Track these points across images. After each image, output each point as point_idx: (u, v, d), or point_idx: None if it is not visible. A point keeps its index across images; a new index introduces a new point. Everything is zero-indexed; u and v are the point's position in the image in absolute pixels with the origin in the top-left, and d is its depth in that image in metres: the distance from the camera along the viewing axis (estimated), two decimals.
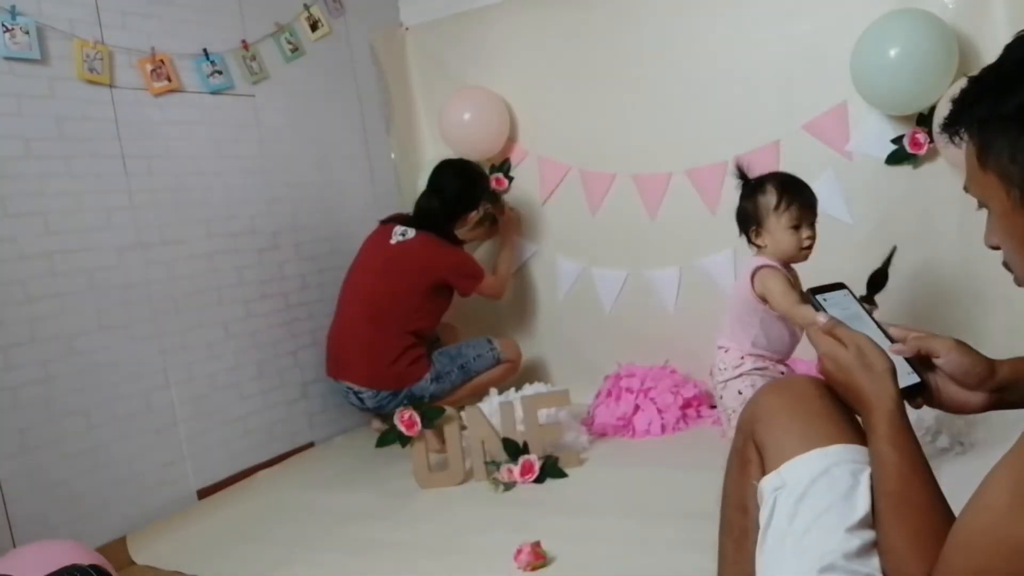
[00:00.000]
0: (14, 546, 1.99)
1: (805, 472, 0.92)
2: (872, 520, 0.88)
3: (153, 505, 2.35)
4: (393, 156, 3.44)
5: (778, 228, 2.17)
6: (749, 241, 2.25)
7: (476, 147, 3.18)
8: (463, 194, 2.89)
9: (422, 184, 3.08)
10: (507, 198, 3.32)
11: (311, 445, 2.93)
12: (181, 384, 2.49)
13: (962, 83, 0.83)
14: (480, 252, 3.30)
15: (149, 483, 2.36)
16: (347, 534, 2.13)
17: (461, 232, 2.94)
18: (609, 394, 2.79)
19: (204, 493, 2.51)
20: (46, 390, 2.13)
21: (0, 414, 2.03)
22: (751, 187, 2.21)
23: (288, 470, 2.72)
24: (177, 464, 2.46)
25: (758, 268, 2.18)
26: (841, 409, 0.99)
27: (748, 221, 2.22)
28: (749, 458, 1.04)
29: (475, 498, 2.29)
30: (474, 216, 2.93)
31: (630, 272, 3.07)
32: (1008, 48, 0.80)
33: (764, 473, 0.98)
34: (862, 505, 0.89)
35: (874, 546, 0.88)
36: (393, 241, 2.81)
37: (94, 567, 1.55)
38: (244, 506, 2.43)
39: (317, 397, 2.98)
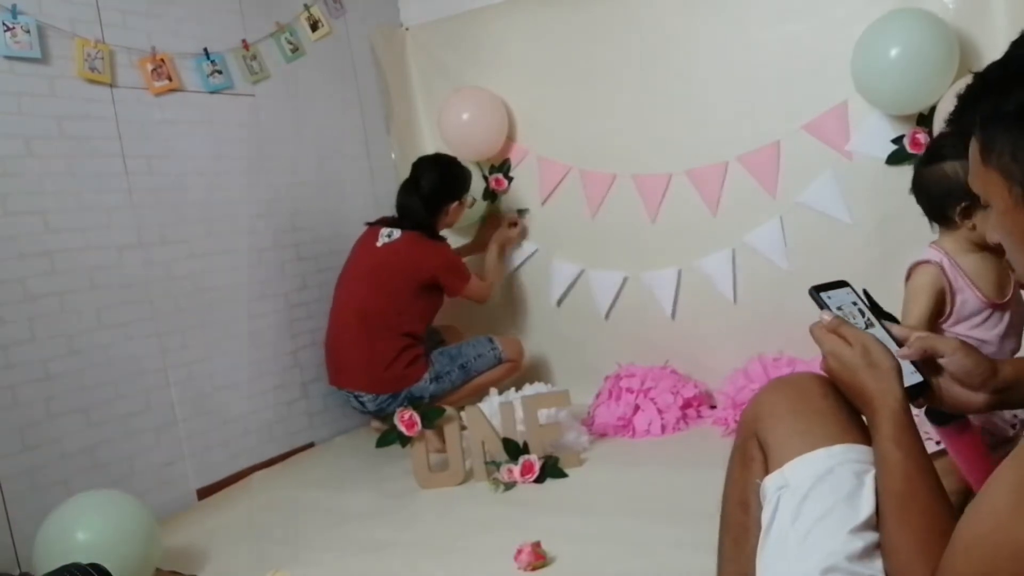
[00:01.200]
0: (13, 545, 1.99)
1: (809, 472, 0.92)
2: (876, 522, 0.88)
3: (153, 505, 2.34)
4: (393, 156, 3.44)
5: None
6: (943, 219, 1.62)
7: (476, 147, 3.18)
8: (440, 186, 2.86)
9: None
10: (506, 198, 3.32)
11: (311, 445, 2.92)
12: (181, 384, 2.49)
13: (967, 79, 0.83)
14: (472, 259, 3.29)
15: (149, 483, 2.36)
16: (347, 534, 2.13)
17: (444, 221, 2.91)
18: (609, 394, 2.79)
19: (204, 493, 2.51)
20: (46, 389, 2.13)
21: (0, 413, 2.03)
22: None
23: (288, 470, 2.72)
24: (177, 464, 2.46)
25: (917, 264, 1.64)
26: (846, 408, 0.99)
27: (958, 194, 1.53)
28: (752, 455, 1.03)
29: (475, 498, 2.29)
30: (455, 207, 2.92)
31: (630, 272, 3.07)
32: (1014, 45, 0.79)
33: (767, 471, 0.98)
34: (866, 507, 0.88)
35: (877, 548, 0.87)
36: (379, 244, 2.80)
37: (94, 566, 1.54)
38: (244, 506, 2.43)
39: (317, 397, 2.98)
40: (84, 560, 1.57)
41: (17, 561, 1.99)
